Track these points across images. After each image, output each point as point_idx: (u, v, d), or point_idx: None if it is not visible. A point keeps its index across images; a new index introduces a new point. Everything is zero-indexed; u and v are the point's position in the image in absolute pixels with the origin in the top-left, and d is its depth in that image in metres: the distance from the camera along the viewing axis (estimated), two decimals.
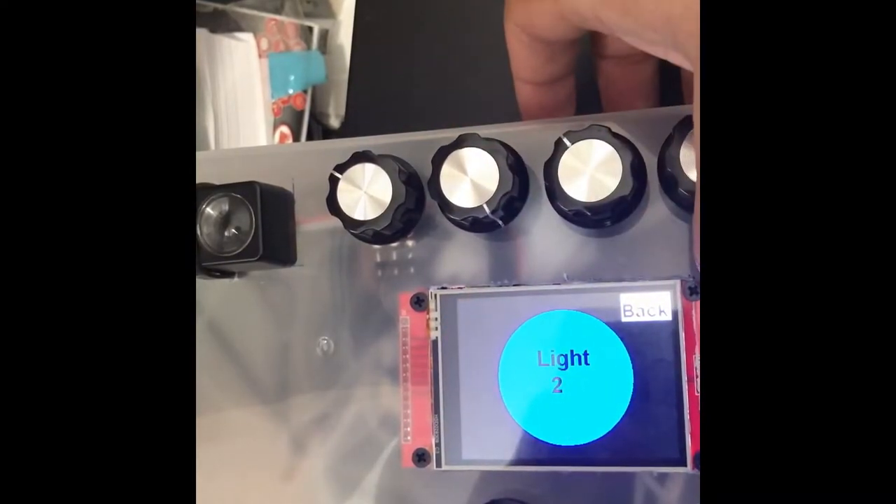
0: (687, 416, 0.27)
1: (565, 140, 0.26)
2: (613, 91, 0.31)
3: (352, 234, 0.30)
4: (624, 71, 0.30)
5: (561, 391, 0.28)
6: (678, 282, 0.27)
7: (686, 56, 0.21)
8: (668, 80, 0.32)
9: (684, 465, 0.27)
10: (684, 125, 0.26)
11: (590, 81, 0.32)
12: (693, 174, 0.25)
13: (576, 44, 0.28)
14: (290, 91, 0.51)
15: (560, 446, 0.28)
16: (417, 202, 0.29)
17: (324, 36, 0.51)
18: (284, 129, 0.50)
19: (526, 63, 0.28)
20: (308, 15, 0.53)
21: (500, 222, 0.28)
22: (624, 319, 0.28)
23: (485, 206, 0.27)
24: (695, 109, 0.20)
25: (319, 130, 0.52)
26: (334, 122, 0.52)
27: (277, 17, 0.51)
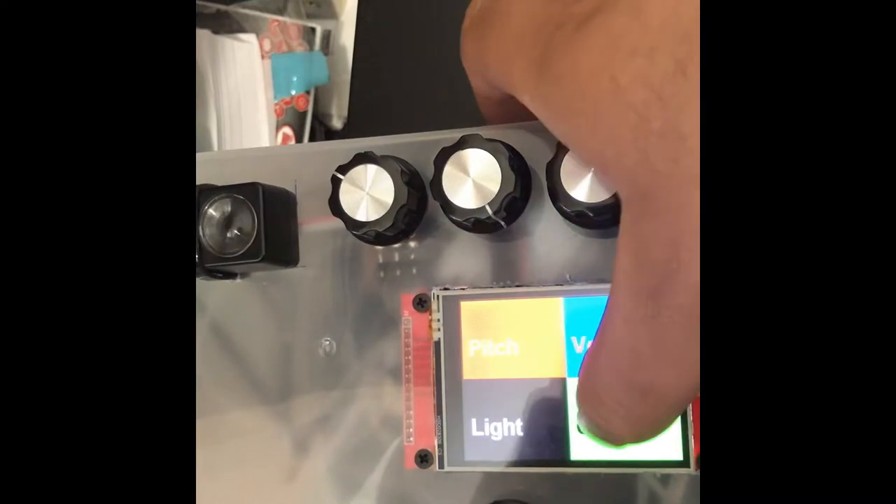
0: (690, 417, 0.27)
1: None
2: (492, 117, 0.31)
3: (354, 235, 0.30)
4: (503, 106, 0.29)
5: (563, 391, 0.28)
6: None
7: (618, 193, 0.20)
8: None
9: (687, 466, 0.27)
10: None
11: None
12: None
13: None
14: (293, 92, 0.51)
15: (563, 447, 0.28)
16: (420, 203, 0.29)
17: (326, 37, 0.52)
18: (287, 129, 0.50)
19: (484, 91, 0.27)
20: (311, 16, 0.53)
21: (503, 223, 0.28)
22: None
23: (487, 207, 0.27)
24: (618, 255, 0.20)
25: (322, 131, 0.52)
26: (337, 123, 0.52)
27: (280, 18, 0.51)
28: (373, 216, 0.28)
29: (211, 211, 0.30)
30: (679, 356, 0.19)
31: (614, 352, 0.21)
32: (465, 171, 0.27)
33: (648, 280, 0.19)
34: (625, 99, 0.18)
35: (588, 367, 0.22)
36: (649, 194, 0.18)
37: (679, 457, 0.27)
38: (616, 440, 0.23)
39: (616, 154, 0.19)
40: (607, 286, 0.28)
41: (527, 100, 0.22)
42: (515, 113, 0.27)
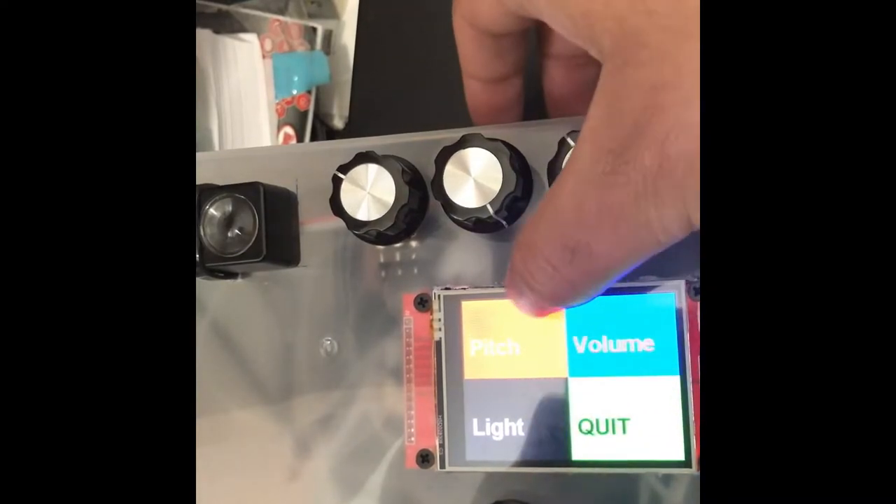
0: (692, 418, 0.27)
1: (569, 140, 0.26)
2: (557, 93, 0.30)
3: (355, 234, 0.30)
4: (567, 73, 0.29)
5: (564, 391, 0.28)
6: (683, 282, 0.27)
7: (599, 52, 0.19)
8: None
9: (689, 466, 0.27)
10: None
11: (540, 86, 0.31)
12: None
13: (522, 40, 0.27)
14: (294, 91, 0.51)
15: (564, 447, 0.28)
16: (421, 203, 0.29)
17: (327, 36, 0.51)
18: (288, 129, 0.50)
19: (474, 58, 0.27)
20: (312, 15, 0.53)
21: (504, 223, 0.28)
22: (628, 319, 0.28)
23: (488, 207, 0.27)
24: (590, 111, 0.19)
25: (323, 131, 0.52)
26: (338, 123, 0.52)
27: (281, 17, 0.51)
28: (374, 216, 0.28)
29: (212, 210, 0.30)
30: (621, 221, 0.18)
31: (559, 207, 0.20)
32: (466, 170, 0.27)
33: (616, 133, 0.18)
34: None
35: (532, 220, 0.22)
36: (638, 40, 0.18)
37: (681, 457, 0.27)
38: (537, 300, 0.22)
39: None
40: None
41: None
42: (505, 71, 0.27)
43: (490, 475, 0.29)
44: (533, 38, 0.29)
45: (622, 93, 0.18)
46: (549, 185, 0.27)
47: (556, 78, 0.30)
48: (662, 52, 0.17)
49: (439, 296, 0.29)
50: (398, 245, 0.30)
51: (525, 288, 0.22)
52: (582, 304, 0.22)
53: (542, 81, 0.30)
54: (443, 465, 0.29)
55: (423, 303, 0.30)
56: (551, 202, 0.20)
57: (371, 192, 0.28)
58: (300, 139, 0.51)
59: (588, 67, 0.29)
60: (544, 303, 0.23)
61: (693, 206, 0.17)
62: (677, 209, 0.18)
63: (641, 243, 0.19)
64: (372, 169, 0.28)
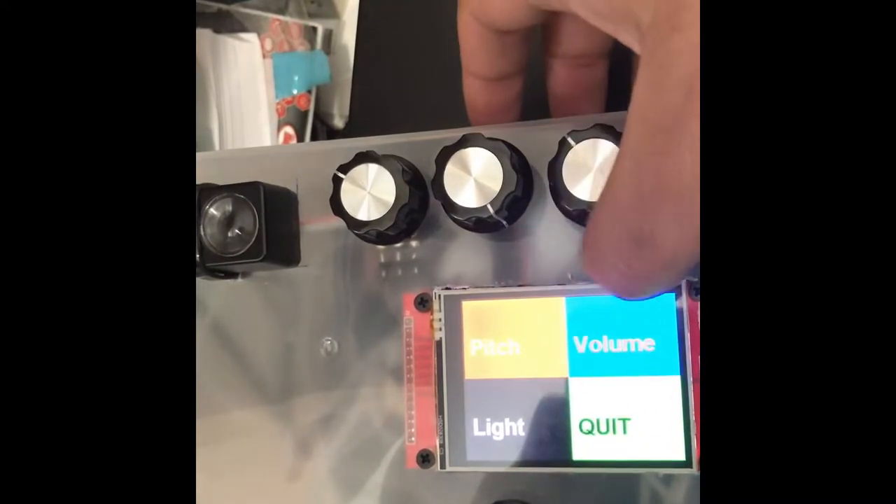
0: (692, 417, 0.27)
1: (569, 139, 0.26)
2: (561, 92, 0.30)
3: (355, 234, 0.30)
4: (573, 73, 0.29)
5: (565, 391, 0.28)
6: (683, 281, 0.27)
7: (637, 28, 0.19)
8: (618, 87, 0.31)
9: (690, 466, 0.27)
10: None
11: (540, 86, 0.31)
12: None
13: (528, 38, 0.27)
14: (294, 91, 0.51)
15: (565, 447, 0.28)
16: (421, 202, 0.29)
17: (328, 36, 0.52)
18: (288, 129, 0.50)
19: (478, 56, 0.27)
20: (312, 15, 0.53)
21: (505, 222, 0.28)
22: (629, 319, 0.28)
23: (489, 206, 0.27)
24: (635, 92, 0.18)
25: (324, 131, 0.52)
26: (338, 123, 0.52)
27: (281, 17, 0.51)
28: (374, 215, 0.28)
29: (212, 210, 0.30)
30: (683, 200, 0.17)
31: (617, 194, 0.19)
32: (466, 170, 0.27)
33: (667, 105, 0.17)
34: None
35: (593, 216, 0.21)
36: (680, 3, 0.17)
37: (681, 457, 0.27)
38: (615, 293, 0.21)
39: None
40: None
41: None
42: (508, 69, 0.27)
43: (491, 475, 0.29)
44: (538, 37, 0.29)
45: (669, 60, 0.17)
46: (550, 184, 0.27)
47: (562, 77, 0.29)
48: (691, 34, 0.17)
49: (440, 296, 0.29)
50: (398, 245, 0.30)
51: (601, 281, 0.21)
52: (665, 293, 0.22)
53: (547, 80, 0.30)
54: (443, 466, 0.29)
55: (423, 303, 0.30)
56: (608, 191, 0.20)
57: (371, 192, 0.28)
58: (300, 139, 0.51)
59: (594, 67, 0.29)
60: (629, 297, 0.22)
61: None
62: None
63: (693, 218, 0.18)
64: (372, 169, 0.28)
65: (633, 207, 0.19)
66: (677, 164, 0.17)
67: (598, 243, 0.20)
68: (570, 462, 0.28)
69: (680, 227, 0.18)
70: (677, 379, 0.27)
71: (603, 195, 0.20)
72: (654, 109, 0.18)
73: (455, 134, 0.28)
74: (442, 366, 0.29)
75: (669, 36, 0.17)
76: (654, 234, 0.18)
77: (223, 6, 0.51)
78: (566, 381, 0.28)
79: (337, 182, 0.29)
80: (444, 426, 0.29)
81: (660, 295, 0.21)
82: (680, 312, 0.27)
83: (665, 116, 0.17)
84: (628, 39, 0.20)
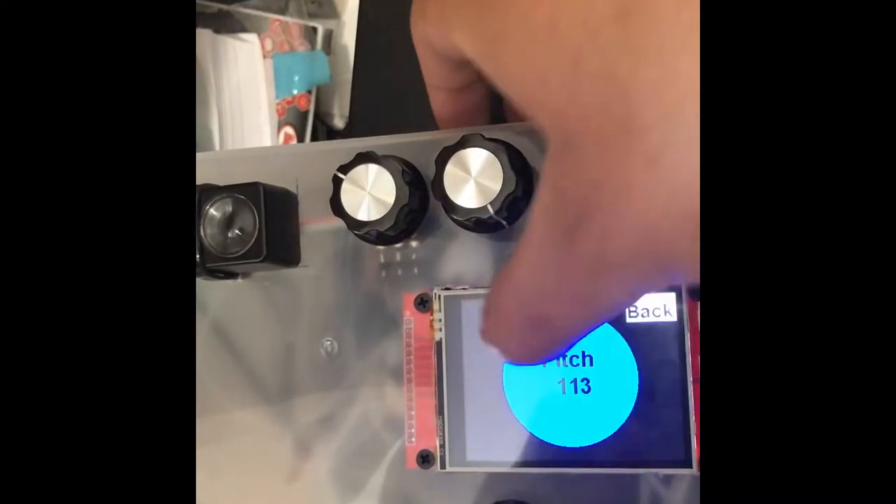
0: (692, 418, 0.27)
1: None
2: (445, 114, 0.30)
3: (355, 234, 0.30)
4: (452, 97, 0.29)
5: (565, 392, 0.28)
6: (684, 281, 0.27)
7: (540, 130, 0.20)
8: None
9: (690, 466, 0.27)
10: None
11: None
12: None
13: None
14: (295, 91, 0.51)
15: (565, 448, 0.28)
16: (421, 203, 0.29)
17: (328, 36, 0.52)
18: (289, 129, 0.50)
19: (435, 72, 0.27)
20: (312, 15, 0.53)
21: (504, 223, 0.28)
22: (629, 320, 0.28)
23: (489, 207, 0.27)
24: (540, 191, 0.20)
25: (324, 131, 0.52)
26: (339, 123, 0.52)
27: (282, 17, 0.51)
28: (374, 216, 0.28)
29: (212, 211, 0.30)
30: (577, 297, 0.20)
31: (520, 282, 0.21)
32: (466, 170, 0.27)
33: (564, 219, 0.19)
34: (560, 37, 0.18)
35: (495, 290, 0.23)
36: (576, 136, 0.18)
37: (681, 457, 0.27)
38: (510, 359, 0.24)
39: (546, 93, 0.19)
40: None
41: (467, 40, 0.22)
42: (467, 79, 0.27)
43: (491, 475, 0.29)
44: None
45: (564, 183, 0.19)
46: None
47: (442, 100, 0.30)
48: (597, 153, 0.18)
49: (440, 296, 0.29)
50: (398, 245, 0.30)
51: (500, 349, 0.23)
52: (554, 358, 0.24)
53: (431, 103, 0.31)
54: (443, 466, 0.29)
55: (423, 303, 0.30)
56: (513, 275, 0.21)
57: (371, 193, 0.28)
58: (300, 139, 0.51)
59: (469, 93, 0.29)
60: (521, 363, 0.25)
61: (636, 288, 0.19)
62: (623, 289, 0.19)
63: (597, 315, 0.21)
64: (372, 169, 0.28)
65: (534, 297, 0.21)
66: (574, 269, 0.19)
67: (499, 316, 0.22)
68: (569, 462, 0.28)
69: (574, 317, 0.21)
70: (677, 378, 0.27)
71: (507, 274, 0.22)
72: (554, 216, 0.19)
73: (455, 134, 0.28)
74: (442, 366, 0.29)
75: (564, 158, 0.19)
76: (550, 317, 0.21)
77: (223, 6, 0.51)
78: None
79: (337, 182, 0.29)
80: (444, 426, 0.29)
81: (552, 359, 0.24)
82: (680, 313, 0.27)
83: (564, 224, 0.19)
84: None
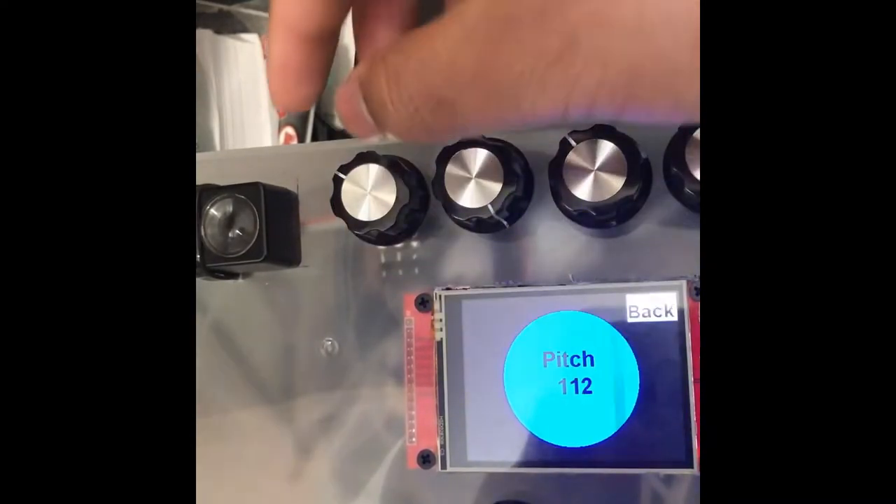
0: (693, 418, 0.27)
1: (570, 140, 0.26)
2: (367, 15, 0.24)
3: (356, 234, 0.30)
4: (304, 46, 0.23)
5: (566, 392, 0.28)
6: (684, 282, 0.27)
7: None
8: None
9: (690, 466, 0.27)
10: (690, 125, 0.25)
11: None
12: (699, 173, 0.25)
13: None
14: None
15: (566, 448, 0.28)
16: (422, 203, 0.29)
17: None
18: (289, 129, 0.50)
19: (297, 3, 0.22)
20: None
21: (505, 223, 0.28)
22: (630, 320, 0.28)
23: (489, 207, 0.27)
24: None
25: (324, 131, 0.52)
26: (339, 123, 0.52)
27: None
28: (375, 216, 0.28)
29: (213, 211, 0.30)
30: (494, 93, 0.17)
31: (435, 53, 0.18)
32: (467, 170, 0.27)
33: (513, 9, 0.16)
34: None
35: (403, 41, 0.19)
36: None
37: (682, 457, 0.27)
38: (381, 126, 0.20)
39: None
40: (611, 286, 0.28)
41: None
42: (331, 22, 0.23)
43: (491, 475, 0.29)
44: None
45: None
46: (550, 184, 0.27)
47: (286, 53, 0.23)
48: None
49: (440, 296, 0.29)
50: (399, 245, 0.30)
51: (374, 109, 0.20)
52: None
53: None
54: (444, 466, 0.29)
55: (424, 303, 0.30)
56: (428, 41, 0.18)
57: (372, 193, 0.28)
58: (301, 139, 0.51)
59: (326, 45, 0.24)
60: (387, 131, 0.20)
61: (578, 100, 0.17)
62: (557, 99, 0.17)
63: (506, 119, 0.18)
64: (373, 169, 0.28)
65: (446, 75, 0.18)
66: (504, 63, 0.17)
67: (398, 77, 0.19)
68: (569, 462, 0.28)
69: (482, 112, 0.18)
70: (677, 377, 0.27)
71: (421, 37, 0.19)
72: (499, 4, 0.17)
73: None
74: (443, 366, 0.29)
75: None
76: (455, 103, 0.18)
77: (224, 7, 0.51)
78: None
79: (338, 182, 0.29)
80: (444, 427, 0.29)
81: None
82: (681, 313, 0.27)
83: (512, 11, 0.16)
84: None
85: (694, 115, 0.16)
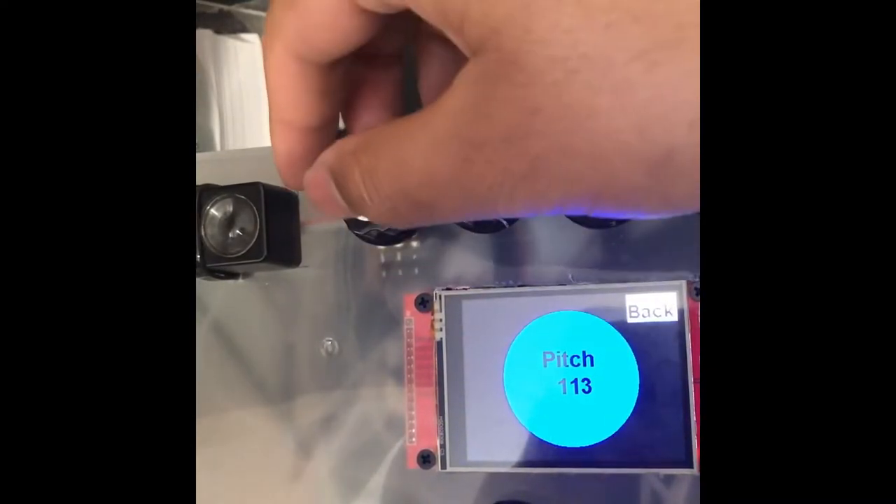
0: (693, 418, 0.27)
1: None
2: (294, 157, 0.24)
3: (356, 235, 0.30)
4: (306, 135, 0.24)
5: (566, 392, 0.28)
6: (684, 282, 0.27)
7: (466, 48, 0.18)
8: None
9: (690, 466, 0.27)
10: None
11: None
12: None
13: (349, 70, 0.23)
14: None
15: (566, 448, 0.28)
16: None
17: None
18: None
19: (296, 102, 0.23)
20: None
21: (505, 222, 0.28)
22: (630, 320, 0.28)
23: None
24: (457, 92, 0.18)
25: None
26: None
27: None
28: None
29: (213, 211, 0.30)
30: (470, 198, 0.18)
31: (410, 165, 0.19)
32: None
33: (481, 132, 0.18)
34: None
35: (381, 148, 0.20)
36: (515, 60, 0.17)
37: (682, 457, 0.27)
38: (355, 212, 0.21)
39: (485, 6, 0.17)
40: (611, 286, 0.28)
41: None
42: (329, 113, 0.23)
43: (491, 475, 0.29)
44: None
45: (494, 104, 0.18)
46: None
47: (289, 142, 0.24)
48: (542, 78, 0.17)
49: (440, 296, 0.29)
50: (399, 245, 0.30)
51: (351, 201, 0.21)
52: None
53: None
54: (444, 466, 0.29)
55: (424, 303, 0.30)
56: (397, 145, 0.19)
57: None
58: None
59: (325, 131, 0.24)
60: (360, 215, 0.21)
61: (547, 207, 0.18)
62: (528, 206, 0.18)
63: (481, 214, 0.19)
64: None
65: (423, 183, 0.19)
66: (477, 176, 0.18)
67: (378, 181, 0.20)
68: (569, 462, 0.28)
69: (458, 210, 0.19)
70: (677, 377, 0.27)
71: (397, 153, 0.20)
72: (469, 125, 0.18)
73: None
74: (443, 366, 0.29)
75: (498, 83, 0.17)
76: (433, 203, 0.19)
77: (224, 7, 0.51)
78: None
79: None
80: (444, 426, 0.29)
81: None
82: (681, 313, 0.27)
83: (477, 137, 0.18)
84: (458, 45, 0.19)
85: (660, 214, 0.18)
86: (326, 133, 0.24)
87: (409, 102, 0.26)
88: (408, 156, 0.19)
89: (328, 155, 0.21)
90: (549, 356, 0.28)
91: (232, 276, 0.32)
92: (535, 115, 0.17)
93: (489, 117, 0.18)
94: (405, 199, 0.20)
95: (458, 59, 0.19)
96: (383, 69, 0.24)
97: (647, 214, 0.18)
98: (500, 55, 0.17)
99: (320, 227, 0.31)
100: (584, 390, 0.28)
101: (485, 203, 0.19)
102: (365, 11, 0.20)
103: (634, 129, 0.16)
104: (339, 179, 0.21)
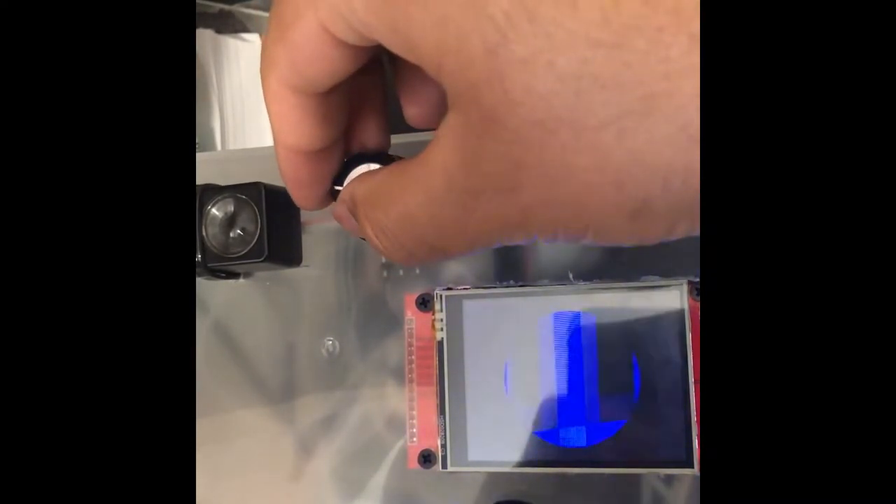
0: (693, 418, 0.27)
1: None
2: (302, 180, 0.25)
3: None
4: (311, 159, 0.24)
5: (567, 392, 0.28)
6: (685, 281, 0.27)
7: (449, 96, 0.18)
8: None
9: (691, 466, 0.27)
10: None
11: None
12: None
13: (348, 94, 0.24)
14: None
15: (566, 447, 0.28)
16: None
17: None
18: None
19: (297, 129, 0.23)
20: None
21: None
22: (630, 320, 0.28)
23: None
24: (445, 143, 0.19)
25: None
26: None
27: None
28: None
29: (214, 211, 0.30)
30: (477, 239, 0.20)
31: (415, 217, 0.20)
32: None
33: (473, 182, 0.19)
34: (485, 8, 0.16)
35: (385, 209, 0.21)
36: (495, 118, 0.17)
37: (682, 457, 0.27)
38: (389, 257, 0.22)
39: (461, 62, 0.17)
40: (611, 286, 0.28)
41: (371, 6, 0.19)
42: (331, 135, 0.23)
43: (492, 475, 0.29)
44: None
45: (483, 159, 0.18)
46: None
47: (295, 166, 0.24)
48: (523, 138, 0.17)
49: (441, 296, 0.29)
50: None
51: (371, 245, 0.22)
52: None
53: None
54: (445, 466, 0.29)
55: (425, 303, 0.30)
56: (406, 207, 0.20)
57: None
58: None
59: (331, 153, 0.25)
60: (395, 261, 0.23)
61: (543, 241, 0.19)
62: (526, 241, 0.20)
63: (490, 247, 0.21)
64: (373, 169, 0.28)
65: (432, 233, 0.20)
66: (479, 220, 0.19)
67: (391, 236, 0.21)
68: (570, 462, 0.28)
69: (469, 247, 0.21)
70: (678, 377, 0.27)
71: (403, 208, 0.21)
72: (461, 177, 0.19)
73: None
74: (444, 366, 0.29)
75: (483, 137, 0.18)
76: (446, 248, 0.21)
77: (225, 6, 0.51)
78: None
79: None
80: (445, 426, 0.29)
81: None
82: (682, 313, 0.27)
83: (471, 185, 0.19)
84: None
85: (647, 244, 0.19)
86: (332, 153, 0.24)
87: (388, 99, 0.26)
88: (413, 211, 0.20)
89: (346, 195, 0.23)
90: (549, 356, 0.28)
91: (233, 275, 0.32)
92: (520, 170, 0.18)
93: (480, 170, 0.18)
94: (420, 246, 0.21)
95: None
96: (368, 75, 0.24)
97: (635, 245, 0.19)
98: (482, 112, 0.17)
99: (321, 227, 0.31)
100: (584, 390, 0.28)
101: (490, 241, 0.20)
102: (347, 44, 0.20)
103: (612, 185, 0.17)
104: (355, 230, 0.23)
